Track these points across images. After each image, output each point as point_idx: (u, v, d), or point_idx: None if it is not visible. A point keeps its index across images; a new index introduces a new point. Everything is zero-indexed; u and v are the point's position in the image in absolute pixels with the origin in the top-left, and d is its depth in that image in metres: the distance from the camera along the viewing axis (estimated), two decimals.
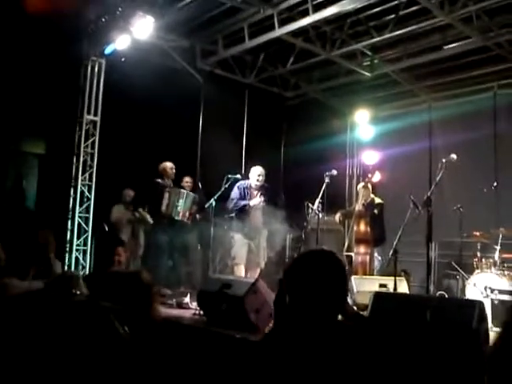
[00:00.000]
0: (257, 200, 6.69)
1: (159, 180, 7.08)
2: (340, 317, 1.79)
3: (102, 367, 1.20)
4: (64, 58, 7.11)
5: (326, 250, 1.80)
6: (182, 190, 7.10)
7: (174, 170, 7.20)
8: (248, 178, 6.94)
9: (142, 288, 2.12)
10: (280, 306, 1.78)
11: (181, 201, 6.98)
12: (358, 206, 7.48)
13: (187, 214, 7.05)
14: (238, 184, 6.82)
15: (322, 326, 1.63)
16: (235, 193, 6.74)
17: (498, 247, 6.45)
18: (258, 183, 6.73)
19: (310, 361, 1.55)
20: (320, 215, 6.35)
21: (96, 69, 7.87)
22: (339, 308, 1.71)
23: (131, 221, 7.61)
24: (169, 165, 7.19)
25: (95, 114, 7.89)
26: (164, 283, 6.49)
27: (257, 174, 6.79)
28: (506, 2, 6.54)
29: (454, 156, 5.33)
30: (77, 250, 7.57)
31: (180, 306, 5.79)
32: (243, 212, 6.69)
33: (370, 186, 7.57)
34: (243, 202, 6.67)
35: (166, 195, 6.96)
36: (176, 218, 6.96)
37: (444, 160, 5.39)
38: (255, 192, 6.76)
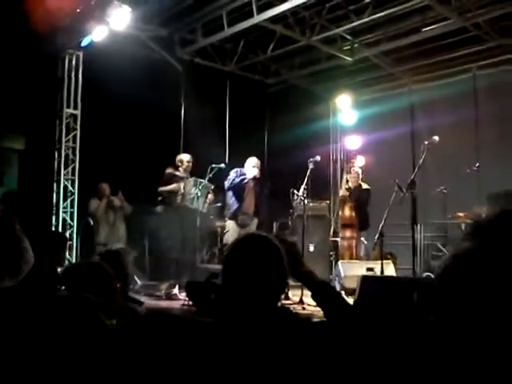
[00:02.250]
0: (254, 171, 6.75)
1: (175, 172, 6.90)
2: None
3: (92, 363, 1.19)
4: (40, 51, 6.98)
5: (262, 234, 1.77)
6: (194, 179, 6.86)
7: (191, 163, 7.03)
8: (232, 168, 6.94)
9: (103, 278, 2.11)
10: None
11: (193, 189, 6.78)
12: (342, 191, 7.54)
13: (202, 202, 6.84)
14: (234, 170, 6.86)
15: (258, 312, 1.60)
16: (233, 173, 6.82)
17: None
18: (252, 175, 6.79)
19: (244, 348, 1.53)
20: (305, 201, 6.36)
21: (74, 61, 7.74)
22: (276, 293, 1.68)
23: (111, 206, 7.43)
24: (186, 157, 7.06)
25: (75, 108, 7.78)
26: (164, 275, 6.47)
27: (251, 165, 6.81)
28: None
29: (436, 138, 5.37)
30: None
31: (169, 297, 5.79)
32: (239, 193, 6.77)
33: (357, 170, 7.61)
34: (240, 177, 6.76)
35: (182, 185, 6.81)
36: (190, 206, 6.74)
37: (426, 142, 5.43)
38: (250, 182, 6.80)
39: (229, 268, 1.68)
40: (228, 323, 1.64)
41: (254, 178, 6.82)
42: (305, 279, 1.80)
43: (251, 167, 6.81)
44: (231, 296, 1.66)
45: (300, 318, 1.69)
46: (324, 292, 1.76)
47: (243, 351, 1.52)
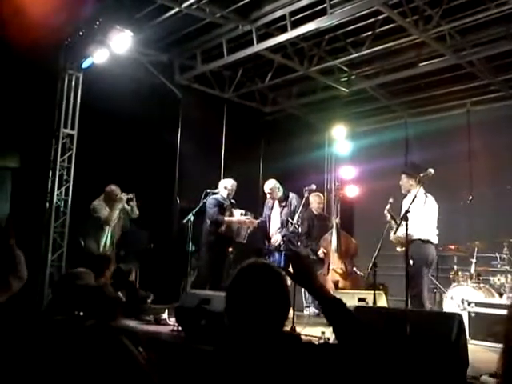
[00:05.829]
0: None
1: (220, 199, 6.94)
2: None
3: None
4: (40, 71, 7.01)
5: (264, 262, 1.82)
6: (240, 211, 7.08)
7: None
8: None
9: (107, 301, 2.09)
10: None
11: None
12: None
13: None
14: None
15: (265, 338, 1.63)
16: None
17: (474, 260, 6.55)
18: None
19: (254, 373, 1.54)
20: (299, 230, 6.35)
21: (73, 82, 7.77)
22: (281, 319, 1.72)
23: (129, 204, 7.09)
24: (230, 182, 7.11)
25: (72, 128, 7.79)
26: None
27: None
28: (476, 22, 6.73)
29: (431, 170, 5.40)
30: (51, 266, 7.38)
31: (158, 321, 5.70)
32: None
33: (319, 195, 7.72)
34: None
35: (227, 213, 6.90)
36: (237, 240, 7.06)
37: (421, 174, 5.47)
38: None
39: (233, 296, 1.72)
40: (233, 351, 1.64)
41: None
42: (318, 294, 1.81)
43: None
44: (236, 323, 1.68)
45: (304, 343, 1.70)
46: (336, 309, 1.76)
47: (252, 378, 1.51)
